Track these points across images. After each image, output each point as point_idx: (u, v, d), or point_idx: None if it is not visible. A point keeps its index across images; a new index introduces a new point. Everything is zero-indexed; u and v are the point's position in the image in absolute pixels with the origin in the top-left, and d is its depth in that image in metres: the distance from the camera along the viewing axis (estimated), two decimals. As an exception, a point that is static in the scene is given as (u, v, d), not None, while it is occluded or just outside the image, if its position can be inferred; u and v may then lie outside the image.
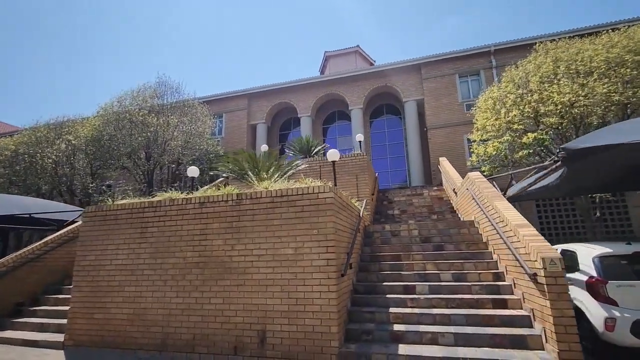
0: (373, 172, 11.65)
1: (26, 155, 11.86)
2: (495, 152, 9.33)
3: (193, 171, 8.02)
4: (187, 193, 5.43)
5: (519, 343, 3.77)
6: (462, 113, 14.15)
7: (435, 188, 11.62)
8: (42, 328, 5.74)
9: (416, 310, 4.54)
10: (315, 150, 11.98)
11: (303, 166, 7.71)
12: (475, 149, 10.67)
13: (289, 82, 17.15)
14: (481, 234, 6.25)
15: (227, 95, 17.78)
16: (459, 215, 8.41)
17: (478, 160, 10.65)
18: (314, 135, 16.27)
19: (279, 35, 78.16)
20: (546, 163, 5.76)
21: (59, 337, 5.25)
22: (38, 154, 11.82)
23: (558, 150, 4.81)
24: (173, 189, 13.37)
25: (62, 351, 4.96)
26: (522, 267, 4.01)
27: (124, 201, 5.45)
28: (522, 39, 13.63)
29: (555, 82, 8.21)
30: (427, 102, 14.77)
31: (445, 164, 11.28)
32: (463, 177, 7.95)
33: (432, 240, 6.43)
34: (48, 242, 7.18)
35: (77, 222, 8.24)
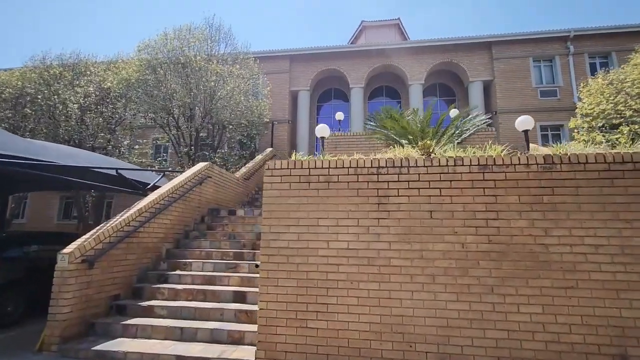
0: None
1: (38, 97, 9.00)
2: (626, 140, 8.55)
3: (323, 130, 6.23)
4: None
5: None
6: (536, 99, 13.38)
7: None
8: (181, 336, 3.89)
9: None
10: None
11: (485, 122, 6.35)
12: (581, 137, 9.91)
13: (338, 47, 15.22)
14: None
15: (267, 55, 15.36)
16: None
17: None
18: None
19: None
20: None
21: (235, 353, 3.50)
22: (55, 97, 9.02)
23: None
24: (219, 155, 11.28)
25: (259, 376, 3.25)
26: None
27: (355, 156, 3.68)
28: (610, 26, 12.99)
29: None
30: (498, 84, 13.77)
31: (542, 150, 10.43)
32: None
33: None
34: (142, 211, 5.12)
35: (158, 186, 6.14)
